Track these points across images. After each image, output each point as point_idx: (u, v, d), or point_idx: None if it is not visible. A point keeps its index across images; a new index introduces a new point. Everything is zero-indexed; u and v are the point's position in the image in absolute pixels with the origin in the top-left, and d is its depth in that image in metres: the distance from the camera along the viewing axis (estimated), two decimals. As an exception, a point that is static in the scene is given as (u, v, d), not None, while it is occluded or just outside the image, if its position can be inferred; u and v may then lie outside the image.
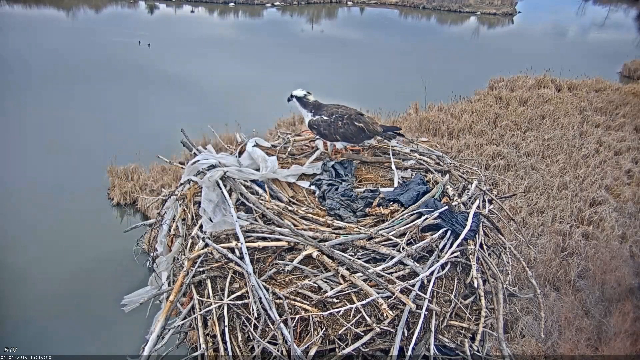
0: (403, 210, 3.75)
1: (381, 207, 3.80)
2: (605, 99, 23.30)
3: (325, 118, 4.41)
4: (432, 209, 3.67)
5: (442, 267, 3.43)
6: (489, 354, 3.66)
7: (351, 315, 3.11)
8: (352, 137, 4.45)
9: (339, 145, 4.57)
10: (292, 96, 4.57)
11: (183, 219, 3.99)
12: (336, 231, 3.54)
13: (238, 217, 3.51)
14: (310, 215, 3.74)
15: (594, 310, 11.10)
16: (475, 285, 3.46)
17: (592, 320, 10.85)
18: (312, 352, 3.06)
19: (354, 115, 4.46)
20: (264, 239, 3.46)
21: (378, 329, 3.08)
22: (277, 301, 3.13)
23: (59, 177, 16.76)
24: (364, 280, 3.17)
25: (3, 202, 15.47)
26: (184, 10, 44.06)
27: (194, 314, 3.41)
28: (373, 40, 37.32)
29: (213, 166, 3.95)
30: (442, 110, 21.79)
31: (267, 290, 3.17)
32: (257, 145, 4.49)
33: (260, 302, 3.10)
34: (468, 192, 4.20)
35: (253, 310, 3.13)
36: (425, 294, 3.22)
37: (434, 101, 22.53)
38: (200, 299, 3.40)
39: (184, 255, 3.63)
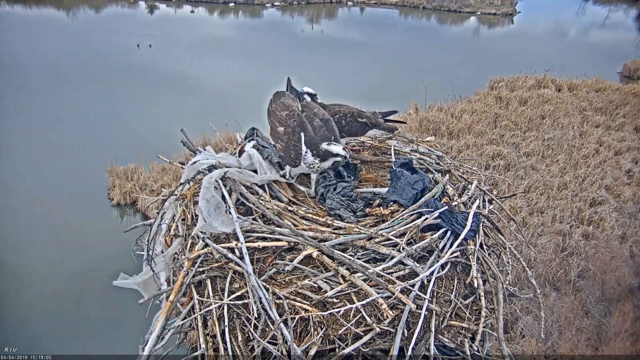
0: (403, 210, 3.75)
1: (381, 207, 3.79)
2: (605, 99, 23.30)
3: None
4: (432, 209, 3.66)
5: (442, 267, 3.42)
6: (489, 354, 3.65)
7: (351, 315, 3.10)
8: (357, 131, 4.65)
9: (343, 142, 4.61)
10: (302, 92, 4.63)
11: (183, 219, 3.99)
12: (336, 231, 3.53)
13: (238, 217, 3.51)
14: (310, 216, 3.73)
15: (594, 310, 11.10)
16: (475, 285, 3.45)
17: (592, 320, 10.85)
18: (312, 352, 3.05)
19: (355, 113, 4.60)
20: (264, 239, 3.45)
21: (378, 329, 3.07)
22: (277, 301, 3.12)
23: (59, 177, 16.77)
24: (364, 280, 3.16)
25: (3, 202, 15.47)
26: (184, 10, 44.09)
27: (194, 314, 3.40)
28: (373, 40, 37.32)
29: (213, 166, 3.95)
30: (442, 110, 21.79)
31: (267, 290, 3.16)
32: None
33: (260, 302, 3.09)
34: (468, 192, 4.18)
35: (253, 310, 3.12)
36: (425, 294, 3.21)
37: (434, 101, 22.52)
38: (200, 299, 3.40)
39: (184, 255, 3.63)
